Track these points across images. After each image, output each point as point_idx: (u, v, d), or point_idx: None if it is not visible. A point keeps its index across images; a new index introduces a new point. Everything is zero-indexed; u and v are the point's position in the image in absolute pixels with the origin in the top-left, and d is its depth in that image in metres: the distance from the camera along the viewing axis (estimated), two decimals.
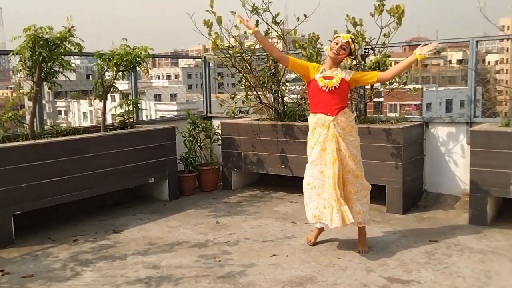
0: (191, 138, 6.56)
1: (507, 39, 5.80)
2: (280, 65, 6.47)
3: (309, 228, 4.88)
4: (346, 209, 4.01)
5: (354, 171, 4.12)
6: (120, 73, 5.64)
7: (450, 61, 52.69)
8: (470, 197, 4.91)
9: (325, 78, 4.08)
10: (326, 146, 4.10)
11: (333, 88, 4.07)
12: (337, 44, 4.09)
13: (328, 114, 4.09)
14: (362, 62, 5.73)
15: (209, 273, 3.83)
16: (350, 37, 4.14)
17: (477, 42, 5.40)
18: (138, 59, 5.53)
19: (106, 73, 5.80)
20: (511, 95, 6.17)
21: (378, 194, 5.59)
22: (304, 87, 6.42)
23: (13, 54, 4.90)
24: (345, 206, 4.02)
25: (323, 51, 5.49)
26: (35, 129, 5.19)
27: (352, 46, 4.15)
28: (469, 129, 5.32)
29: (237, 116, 6.84)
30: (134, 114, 6.35)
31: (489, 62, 53.01)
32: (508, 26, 54.82)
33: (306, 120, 5.91)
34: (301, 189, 6.17)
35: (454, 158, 5.65)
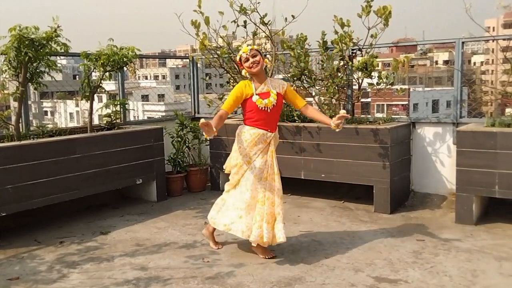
0: (179, 139, 6.53)
1: (493, 40, 5.86)
2: (269, 65, 6.47)
3: (297, 229, 4.89)
4: (280, 227, 4.02)
5: (279, 190, 4.09)
6: (107, 74, 5.61)
7: (436, 62, 53.20)
8: (457, 197, 4.96)
9: (262, 98, 4.00)
10: (266, 160, 4.06)
11: (272, 106, 4.02)
12: (247, 60, 4.01)
13: (268, 130, 4.06)
14: (350, 63, 5.75)
15: (198, 274, 3.82)
16: (248, 45, 4.20)
17: (463, 43, 5.46)
18: (125, 59, 5.50)
19: (93, 74, 5.76)
20: (497, 96, 6.24)
21: (365, 194, 5.64)
22: (292, 87, 6.42)
23: None
24: (278, 223, 4.03)
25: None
26: (21, 130, 5.14)
27: (257, 47, 4.13)
28: (455, 129, 5.38)
29: None
30: (122, 115, 6.32)
31: (474, 63, 53.57)
32: (493, 27, 55.51)
33: (294, 121, 5.97)
34: (290, 189, 6.23)
35: (440, 158, 5.70)
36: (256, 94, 4.02)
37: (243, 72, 4.16)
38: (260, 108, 3.99)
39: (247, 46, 4.11)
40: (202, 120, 3.65)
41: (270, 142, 4.09)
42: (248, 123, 4.10)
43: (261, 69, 4.03)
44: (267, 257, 4.11)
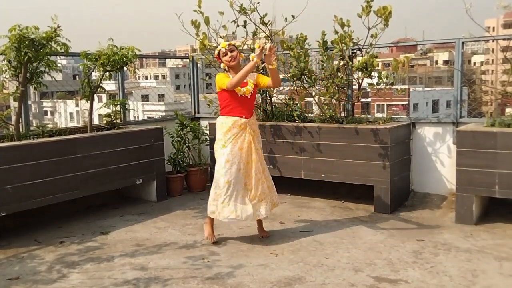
0: (179, 139, 6.53)
1: (493, 40, 5.86)
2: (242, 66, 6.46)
3: (297, 229, 4.89)
4: (264, 204, 4.45)
5: (264, 170, 4.51)
6: (107, 73, 5.61)
7: (436, 62, 53.21)
8: (457, 197, 4.95)
9: (241, 86, 4.37)
10: (244, 147, 4.38)
11: (250, 94, 4.43)
12: (225, 54, 4.39)
13: (244, 117, 4.40)
14: (350, 63, 5.75)
15: (197, 274, 3.82)
16: (226, 41, 4.47)
17: (463, 43, 5.45)
18: (125, 59, 5.50)
19: (93, 74, 5.76)
20: (497, 96, 6.24)
21: (365, 194, 5.63)
22: (292, 88, 6.43)
23: None
24: (262, 202, 4.44)
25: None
26: (21, 130, 5.14)
27: (233, 42, 4.53)
28: (455, 129, 5.37)
29: None
30: (122, 115, 6.31)
31: (474, 63, 53.55)
32: (493, 27, 55.49)
33: (294, 121, 5.97)
34: (290, 189, 6.23)
35: (440, 158, 5.70)
36: None
37: (222, 65, 4.53)
38: (239, 95, 4.38)
39: (225, 42, 4.45)
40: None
41: (246, 128, 4.39)
42: (223, 113, 4.45)
43: (238, 62, 4.44)
44: (262, 236, 4.62)
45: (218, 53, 4.44)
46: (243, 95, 4.39)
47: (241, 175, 4.36)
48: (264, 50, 4.25)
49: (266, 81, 4.54)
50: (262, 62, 5.33)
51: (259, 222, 4.69)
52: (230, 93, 4.36)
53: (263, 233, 4.68)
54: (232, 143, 4.35)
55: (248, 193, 4.40)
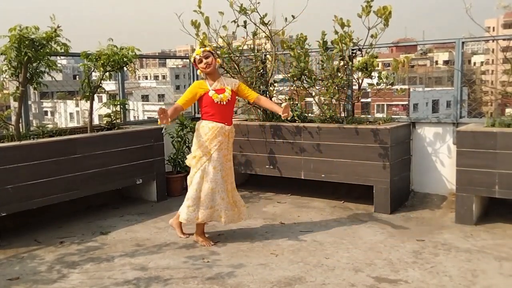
0: (179, 139, 6.54)
1: (493, 40, 5.86)
2: (268, 65, 6.48)
3: (297, 229, 4.89)
4: (234, 212, 4.55)
5: (233, 179, 4.58)
6: (107, 74, 5.61)
7: (436, 62, 53.20)
8: (457, 197, 4.96)
9: (217, 92, 4.38)
10: (226, 154, 4.46)
11: (227, 101, 4.40)
12: (200, 61, 4.40)
13: (226, 123, 4.42)
14: (350, 63, 5.75)
15: (198, 274, 3.82)
16: (202, 48, 4.45)
17: (463, 43, 5.46)
18: (125, 59, 5.50)
19: (93, 74, 5.76)
20: (497, 96, 6.24)
21: (365, 194, 5.63)
22: (292, 88, 6.43)
23: None
24: (233, 210, 4.53)
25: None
26: (21, 130, 5.14)
27: (208, 48, 4.51)
28: (455, 129, 5.38)
29: None
30: (122, 115, 6.31)
31: (474, 63, 53.54)
32: (493, 27, 55.49)
33: (294, 121, 5.97)
34: (290, 190, 6.23)
35: (440, 158, 5.70)
36: (212, 90, 4.38)
37: (198, 71, 4.53)
38: (216, 102, 4.36)
39: (200, 48, 4.45)
40: (161, 107, 4.04)
41: (228, 135, 4.44)
42: (205, 118, 4.43)
43: (213, 69, 4.42)
44: (208, 244, 4.49)
45: (194, 61, 4.45)
46: (219, 102, 4.37)
47: (222, 182, 4.42)
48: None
49: (251, 97, 4.58)
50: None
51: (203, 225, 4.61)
52: (208, 99, 4.37)
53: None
54: (217, 150, 4.37)
55: (228, 199, 4.47)
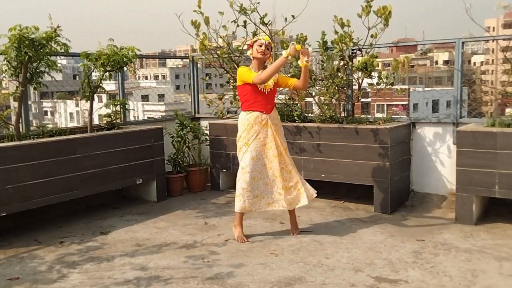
0: (179, 139, 6.53)
1: (493, 40, 5.86)
2: (268, 65, 6.46)
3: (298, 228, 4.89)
4: (291, 196, 4.55)
5: (288, 164, 4.55)
6: (107, 74, 5.61)
7: (436, 62, 53.21)
8: (457, 197, 4.96)
9: None
10: (267, 142, 4.47)
11: (270, 89, 4.48)
12: (261, 46, 4.45)
13: (264, 112, 4.46)
14: (350, 63, 5.75)
15: (198, 274, 3.82)
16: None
17: (463, 43, 5.45)
18: (125, 59, 5.50)
19: (93, 74, 5.76)
20: (497, 96, 6.25)
21: (365, 194, 5.63)
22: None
23: None
24: (289, 194, 4.53)
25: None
26: (21, 130, 5.14)
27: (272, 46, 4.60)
28: (455, 129, 5.38)
29: (225, 117, 6.84)
30: (122, 115, 6.32)
31: (474, 63, 53.58)
32: (493, 27, 55.51)
33: (294, 121, 5.97)
34: None
35: (440, 158, 5.70)
36: None
37: (249, 52, 4.57)
38: (260, 89, 4.42)
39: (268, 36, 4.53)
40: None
41: (268, 123, 4.45)
42: (244, 108, 4.50)
43: (265, 58, 4.49)
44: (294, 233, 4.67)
45: (256, 41, 4.47)
46: (262, 90, 4.43)
47: (266, 170, 4.47)
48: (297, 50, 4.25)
49: (292, 81, 4.56)
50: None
51: (293, 218, 4.71)
52: (251, 87, 4.40)
53: (294, 231, 4.71)
54: (255, 140, 4.42)
55: (277, 186, 4.49)
